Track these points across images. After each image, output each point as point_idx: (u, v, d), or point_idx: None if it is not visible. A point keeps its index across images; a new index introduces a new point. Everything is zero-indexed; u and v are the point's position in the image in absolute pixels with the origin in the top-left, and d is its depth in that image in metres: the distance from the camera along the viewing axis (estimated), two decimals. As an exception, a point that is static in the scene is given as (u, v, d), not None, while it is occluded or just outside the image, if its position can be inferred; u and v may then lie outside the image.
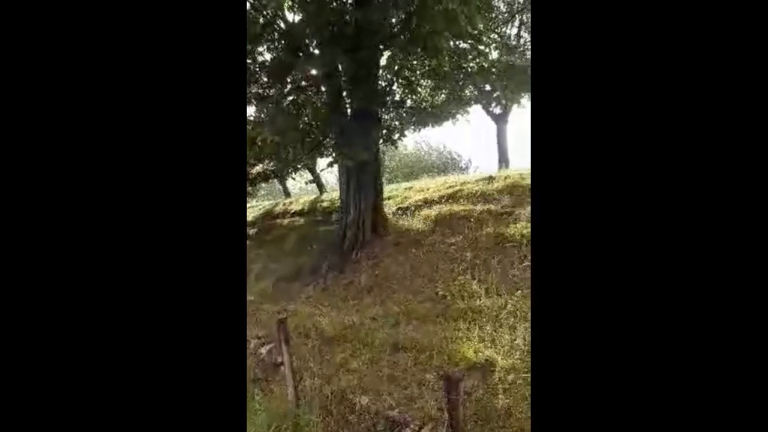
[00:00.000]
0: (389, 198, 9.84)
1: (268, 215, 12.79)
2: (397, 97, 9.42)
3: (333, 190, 13.28)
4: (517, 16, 11.83)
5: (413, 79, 9.28)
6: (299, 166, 11.98)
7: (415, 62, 8.66)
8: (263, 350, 5.03)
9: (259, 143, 6.01)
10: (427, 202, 9.00)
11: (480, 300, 5.25)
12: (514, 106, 12.45)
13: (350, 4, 6.88)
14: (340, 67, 7.43)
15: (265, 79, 8.32)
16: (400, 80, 9.01)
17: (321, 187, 14.08)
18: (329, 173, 15.98)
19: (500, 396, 3.39)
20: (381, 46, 7.44)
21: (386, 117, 9.48)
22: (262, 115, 7.65)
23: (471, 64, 8.48)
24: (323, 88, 8.20)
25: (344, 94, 7.96)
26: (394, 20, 7.01)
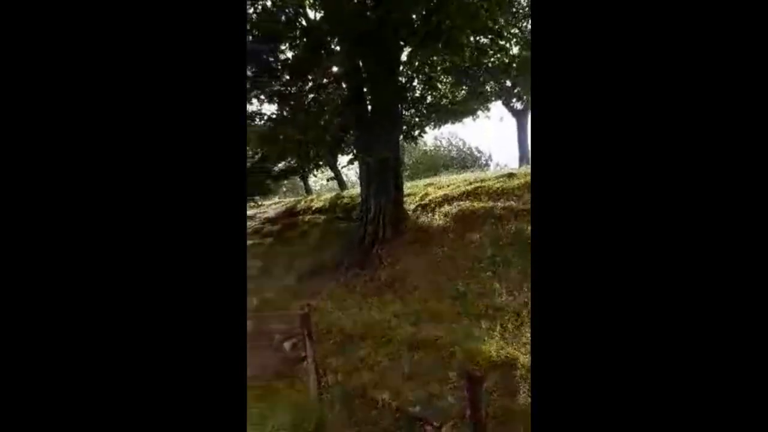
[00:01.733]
0: (409, 195, 9.84)
1: (291, 212, 12.93)
2: (418, 94, 9.41)
3: (353, 187, 13.35)
4: (539, 9, 11.62)
5: (433, 75, 9.25)
6: (320, 164, 12.08)
7: (435, 58, 8.63)
8: (287, 345, 5.11)
9: (282, 141, 6.08)
10: (447, 199, 8.97)
11: (501, 297, 5.23)
12: (536, 102, 12.24)
13: (371, 0, 6.89)
14: (360, 64, 7.46)
15: (287, 77, 8.40)
16: (420, 76, 8.99)
17: (342, 184, 14.16)
18: (350, 170, 16.06)
19: (522, 394, 3.38)
20: (402, 43, 7.44)
21: (406, 113, 9.48)
22: (285, 113, 7.73)
23: (492, 60, 8.41)
24: (344, 86, 8.24)
25: (365, 91, 7.99)
26: (414, 16, 6.99)
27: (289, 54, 8.32)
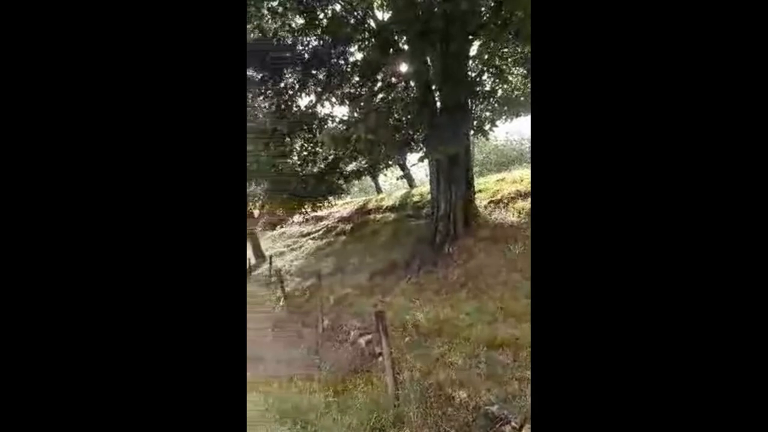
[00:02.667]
0: (480, 191, 9.65)
1: (362, 211, 13.19)
2: (488, 87, 9.19)
3: (423, 185, 13.32)
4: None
5: (504, 67, 8.99)
6: (390, 162, 12.19)
7: (505, 50, 8.39)
8: (362, 341, 5.21)
9: (353, 142, 6.22)
10: (521, 194, 8.69)
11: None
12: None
13: (438, -4, 6.83)
14: (429, 60, 7.43)
15: (357, 79, 8.57)
16: (490, 70, 8.78)
17: (411, 182, 14.20)
18: (419, 168, 16.07)
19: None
20: (470, 36, 7.31)
21: (476, 108, 9.30)
22: (355, 114, 7.89)
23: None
24: (413, 83, 8.25)
25: (434, 87, 7.95)
26: (483, 9, 6.84)
27: (359, 56, 8.48)
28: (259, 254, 13.22)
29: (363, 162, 11.11)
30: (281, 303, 7.92)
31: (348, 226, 12.20)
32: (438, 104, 8.00)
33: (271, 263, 10.16)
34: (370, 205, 13.31)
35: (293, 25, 8.42)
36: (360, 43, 8.00)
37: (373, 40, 7.61)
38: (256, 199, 13.89)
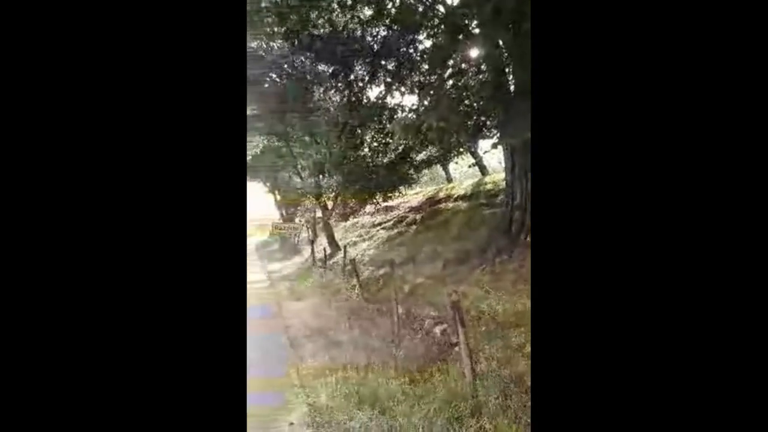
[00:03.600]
0: (558, 177, 9.19)
1: (433, 200, 13.11)
2: (565, 68, 8.71)
3: (495, 173, 12.97)
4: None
5: (582, 46, 8.47)
6: (462, 150, 11.98)
7: (584, 27, 7.89)
8: (437, 330, 5.21)
9: (424, 130, 6.17)
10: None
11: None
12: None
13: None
14: (501, 43, 7.17)
15: (426, 67, 8.48)
16: (567, 49, 8.30)
17: (483, 169, 13.87)
18: (492, 155, 15.67)
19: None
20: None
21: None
22: (425, 103, 7.83)
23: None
24: (484, 68, 8.02)
25: (506, 71, 7.67)
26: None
27: (428, 43, 8.38)
28: (333, 244, 13.61)
29: (434, 151, 11.02)
30: (356, 291, 8.10)
31: (419, 216, 12.18)
32: (512, 88, 7.71)
33: (345, 253, 10.42)
34: (441, 195, 13.18)
35: (362, 17, 8.48)
36: (429, 30, 7.90)
37: (442, 26, 7.48)
38: (329, 190, 14.29)
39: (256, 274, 14.15)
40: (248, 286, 11.46)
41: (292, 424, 3.46)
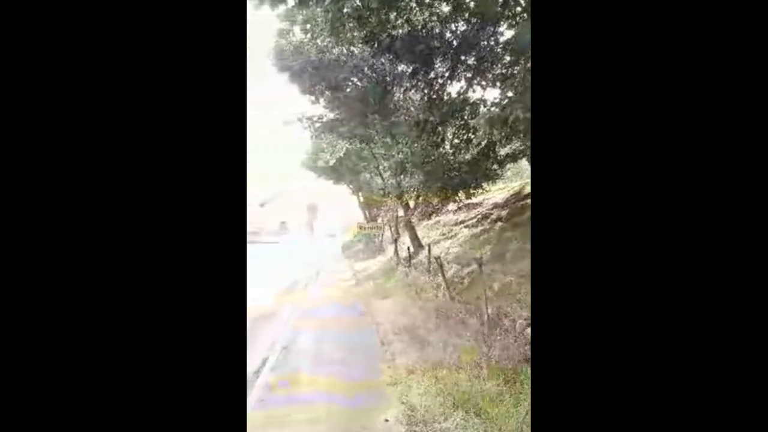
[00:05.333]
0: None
1: (518, 196, 12.67)
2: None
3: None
4: None
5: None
6: (548, 142, 11.42)
7: None
8: (529, 331, 5.02)
9: (510, 123, 5.96)
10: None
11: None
12: None
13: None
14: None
15: (508, 58, 8.20)
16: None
17: (572, 161, 13.13)
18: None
19: None
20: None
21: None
22: (509, 95, 7.57)
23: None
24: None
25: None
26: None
27: (509, 34, 8.10)
28: (417, 243, 13.64)
29: (518, 144, 10.63)
30: (442, 290, 8.06)
31: (504, 212, 11.81)
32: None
33: (429, 251, 10.40)
34: (526, 190, 12.69)
35: (440, 13, 8.40)
36: (510, 20, 7.63)
37: (524, 15, 7.19)
38: (411, 190, 14.36)
39: (344, 272, 14.60)
40: (337, 284, 11.82)
41: (387, 420, 3.51)
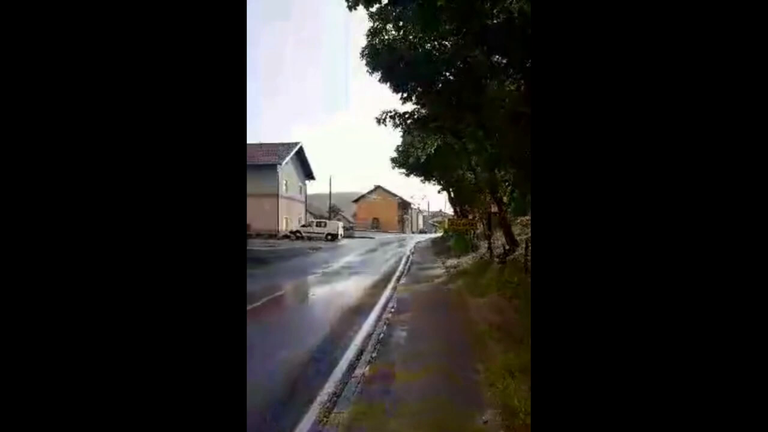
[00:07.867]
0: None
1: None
2: None
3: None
4: None
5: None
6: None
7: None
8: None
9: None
10: None
11: None
12: None
13: None
14: None
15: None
16: None
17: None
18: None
19: None
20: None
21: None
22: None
23: None
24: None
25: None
26: None
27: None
28: (511, 239, 13.19)
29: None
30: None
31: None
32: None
33: (526, 248, 10.00)
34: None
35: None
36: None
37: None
38: (505, 185, 13.90)
39: (437, 269, 14.56)
40: (429, 281, 11.78)
41: (486, 422, 3.43)
